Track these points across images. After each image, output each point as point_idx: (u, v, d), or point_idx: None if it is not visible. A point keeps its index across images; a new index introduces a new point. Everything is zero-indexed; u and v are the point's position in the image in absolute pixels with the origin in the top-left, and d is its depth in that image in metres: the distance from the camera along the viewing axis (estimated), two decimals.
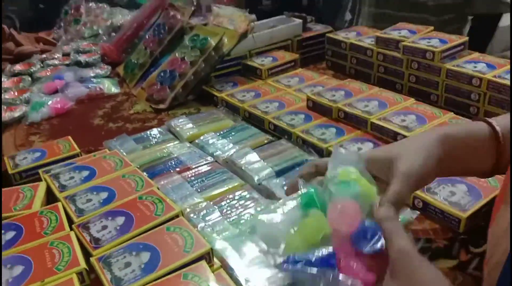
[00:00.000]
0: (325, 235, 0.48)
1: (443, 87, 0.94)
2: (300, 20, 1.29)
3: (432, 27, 1.06)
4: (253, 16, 1.25)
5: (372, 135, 0.82)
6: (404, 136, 0.75)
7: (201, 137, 0.88)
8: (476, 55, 0.97)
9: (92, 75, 1.27)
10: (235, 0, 1.47)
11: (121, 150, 0.85)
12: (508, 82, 0.83)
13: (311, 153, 0.80)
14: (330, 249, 0.46)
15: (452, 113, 0.83)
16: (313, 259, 0.45)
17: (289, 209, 0.52)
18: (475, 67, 0.91)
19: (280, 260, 0.47)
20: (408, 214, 0.64)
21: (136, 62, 1.25)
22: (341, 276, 0.43)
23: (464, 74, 0.89)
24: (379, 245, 0.44)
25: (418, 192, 0.65)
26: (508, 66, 0.90)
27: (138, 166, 0.78)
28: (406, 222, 0.63)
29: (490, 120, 0.49)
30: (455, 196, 0.64)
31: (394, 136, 0.78)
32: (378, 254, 0.44)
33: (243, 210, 0.67)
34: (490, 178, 0.66)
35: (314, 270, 0.44)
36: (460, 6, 1.27)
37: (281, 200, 0.55)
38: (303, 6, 1.54)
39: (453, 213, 0.61)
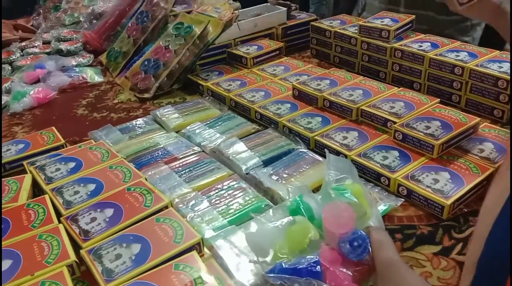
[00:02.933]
0: (311, 240, 0.50)
1: (426, 75, 0.96)
2: (285, 8, 1.29)
3: (413, 16, 1.07)
4: (238, 4, 1.25)
5: (357, 123, 0.83)
6: (394, 123, 0.77)
7: (188, 127, 0.88)
8: (457, 44, 0.98)
9: (74, 63, 1.25)
10: None
11: (107, 141, 0.84)
12: (489, 71, 0.85)
13: (297, 142, 0.81)
14: (316, 257, 0.48)
15: (438, 99, 0.85)
16: (300, 267, 0.48)
17: (277, 217, 0.55)
18: (458, 56, 0.92)
19: (268, 268, 0.49)
20: (393, 202, 0.65)
21: (119, 50, 1.23)
22: None
23: (447, 63, 0.91)
24: (365, 254, 0.47)
25: (403, 180, 0.67)
26: (490, 55, 0.91)
27: (125, 157, 0.77)
28: (391, 209, 0.64)
29: None
30: (439, 183, 0.65)
31: (384, 123, 0.80)
32: (363, 263, 0.47)
33: (232, 200, 0.67)
34: (472, 165, 0.69)
35: (300, 279, 0.46)
36: None
37: (270, 210, 0.57)
38: None
39: (437, 200, 0.63)
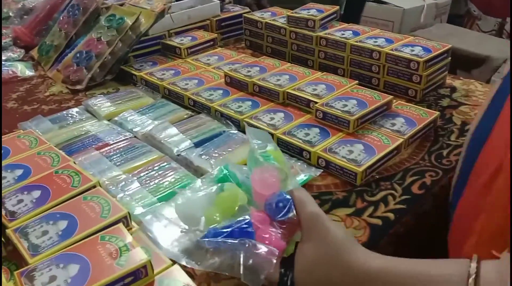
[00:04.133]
0: (240, 205, 0.53)
1: (348, 61, 1.02)
2: (218, 1, 1.32)
3: (337, 7, 1.13)
4: None
5: (283, 106, 0.88)
6: (316, 103, 0.82)
7: (120, 115, 0.89)
8: (377, 31, 1.06)
9: (3, 59, 1.22)
10: None
11: (37, 131, 0.84)
12: (402, 54, 0.93)
13: (228, 125, 0.85)
14: (247, 219, 0.51)
15: (357, 81, 0.91)
16: (233, 229, 0.50)
17: (205, 187, 0.57)
18: (376, 42, 0.99)
19: (202, 235, 0.51)
20: (312, 172, 0.71)
21: (51, 44, 1.21)
22: (258, 245, 0.49)
23: (365, 48, 0.98)
24: (289, 214, 0.50)
25: (322, 153, 0.72)
26: (404, 41, 0.99)
27: (55, 145, 0.77)
28: (310, 179, 0.69)
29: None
30: (353, 154, 0.71)
31: (307, 104, 0.85)
32: (289, 222, 0.51)
33: (162, 179, 0.70)
34: (384, 138, 0.75)
35: (234, 240, 0.49)
36: None
37: (197, 180, 0.59)
38: None
39: (350, 168, 0.68)
